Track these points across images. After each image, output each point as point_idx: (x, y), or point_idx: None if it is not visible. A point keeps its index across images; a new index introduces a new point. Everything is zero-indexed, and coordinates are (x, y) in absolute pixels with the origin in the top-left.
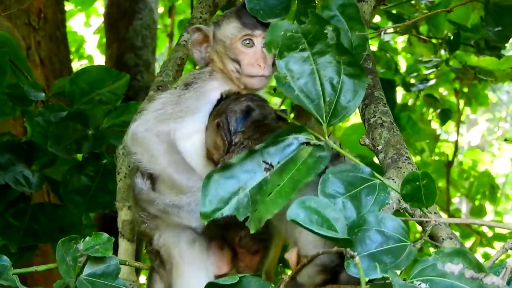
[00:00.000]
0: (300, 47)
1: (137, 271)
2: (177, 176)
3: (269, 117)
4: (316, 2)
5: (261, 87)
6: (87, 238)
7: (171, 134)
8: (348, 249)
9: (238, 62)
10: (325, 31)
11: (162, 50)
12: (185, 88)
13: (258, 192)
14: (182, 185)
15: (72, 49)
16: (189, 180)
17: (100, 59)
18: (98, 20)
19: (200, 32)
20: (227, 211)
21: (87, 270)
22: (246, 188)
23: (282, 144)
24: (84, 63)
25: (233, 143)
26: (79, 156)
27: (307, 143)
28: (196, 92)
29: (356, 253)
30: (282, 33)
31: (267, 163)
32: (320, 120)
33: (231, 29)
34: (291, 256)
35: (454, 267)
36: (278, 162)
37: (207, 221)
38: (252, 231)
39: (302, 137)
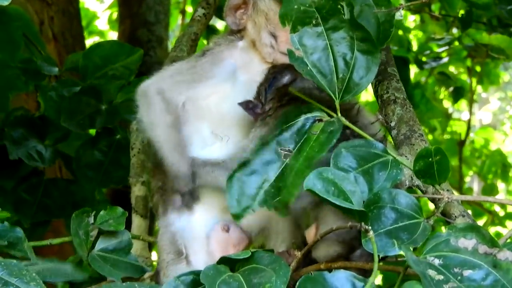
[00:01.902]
0: (314, 21)
1: (150, 248)
2: (170, 156)
3: (298, 79)
4: None
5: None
6: (102, 212)
7: (181, 103)
8: (363, 224)
9: (275, 37)
10: (339, 6)
11: (173, 27)
12: (202, 54)
13: (280, 180)
14: (171, 164)
15: (84, 25)
16: (179, 164)
17: (112, 36)
18: None
19: None
20: (256, 206)
21: (99, 245)
22: (269, 179)
23: (295, 127)
24: (96, 39)
25: (266, 110)
26: (92, 131)
27: (319, 120)
28: (213, 57)
29: (370, 228)
30: (296, 7)
31: (286, 149)
32: (333, 96)
33: (278, 3)
34: (310, 232)
35: (467, 242)
36: (295, 146)
37: (239, 221)
38: (283, 217)
39: (314, 115)
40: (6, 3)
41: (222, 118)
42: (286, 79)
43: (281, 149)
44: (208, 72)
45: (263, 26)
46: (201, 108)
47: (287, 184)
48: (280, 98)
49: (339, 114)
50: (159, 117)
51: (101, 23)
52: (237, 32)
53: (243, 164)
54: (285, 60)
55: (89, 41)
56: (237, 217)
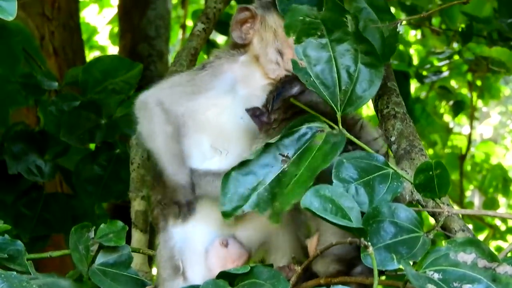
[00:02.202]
0: (319, 33)
1: (150, 262)
2: (169, 167)
3: (306, 91)
4: None
5: None
6: (102, 225)
7: (181, 116)
8: (362, 239)
9: (281, 54)
10: (344, 19)
11: (174, 42)
12: (202, 67)
13: (276, 185)
14: (170, 175)
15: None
16: (179, 174)
17: (112, 50)
18: (111, 11)
19: (248, 12)
20: (248, 207)
21: (99, 259)
22: (265, 182)
23: (296, 135)
24: (96, 54)
25: (272, 121)
26: (92, 146)
27: (321, 131)
28: (212, 69)
29: (370, 244)
30: (301, 18)
31: (284, 155)
32: (335, 108)
33: None
34: (311, 243)
35: (466, 256)
36: (295, 153)
37: (228, 219)
38: (275, 224)
39: (316, 126)
40: (11, 18)
41: (222, 132)
42: (294, 90)
43: (279, 154)
44: (207, 84)
45: (270, 42)
46: (200, 121)
47: (284, 191)
48: (286, 110)
49: (341, 126)
50: (159, 128)
51: (102, 38)
52: (240, 47)
53: (242, 163)
54: None
55: (90, 56)
56: (226, 215)
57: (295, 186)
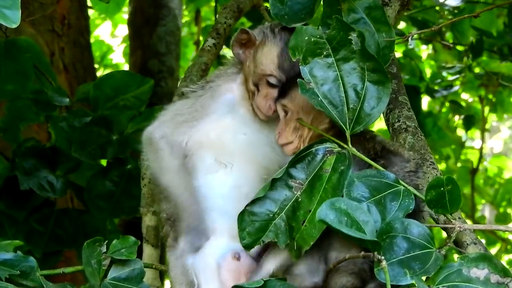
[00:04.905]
0: (325, 53)
1: (162, 277)
2: (183, 198)
3: None
4: (342, 6)
5: (264, 119)
6: (114, 241)
7: (185, 143)
8: (375, 253)
9: (258, 89)
10: (350, 37)
11: (189, 57)
12: (202, 88)
13: (292, 217)
14: (180, 205)
15: (99, 58)
16: (192, 204)
17: (126, 68)
18: (125, 29)
19: (245, 35)
20: (267, 238)
21: (111, 274)
22: (280, 212)
23: (307, 158)
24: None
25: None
26: (103, 162)
27: (330, 152)
28: (212, 91)
29: (383, 258)
30: (307, 38)
31: (296, 182)
32: (344, 127)
33: (269, 59)
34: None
35: (479, 272)
36: (306, 179)
37: (249, 250)
38: (294, 260)
39: (324, 147)
40: (14, 26)
41: (225, 148)
42: None
43: (291, 181)
44: (207, 108)
45: (252, 73)
46: (204, 141)
47: (301, 228)
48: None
49: (350, 145)
50: (167, 162)
51: (116, 56)
52: (234, 64)
53: (254, 200)
54: (259, 113)
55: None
56: (247, 247)
57: (312, 226)
